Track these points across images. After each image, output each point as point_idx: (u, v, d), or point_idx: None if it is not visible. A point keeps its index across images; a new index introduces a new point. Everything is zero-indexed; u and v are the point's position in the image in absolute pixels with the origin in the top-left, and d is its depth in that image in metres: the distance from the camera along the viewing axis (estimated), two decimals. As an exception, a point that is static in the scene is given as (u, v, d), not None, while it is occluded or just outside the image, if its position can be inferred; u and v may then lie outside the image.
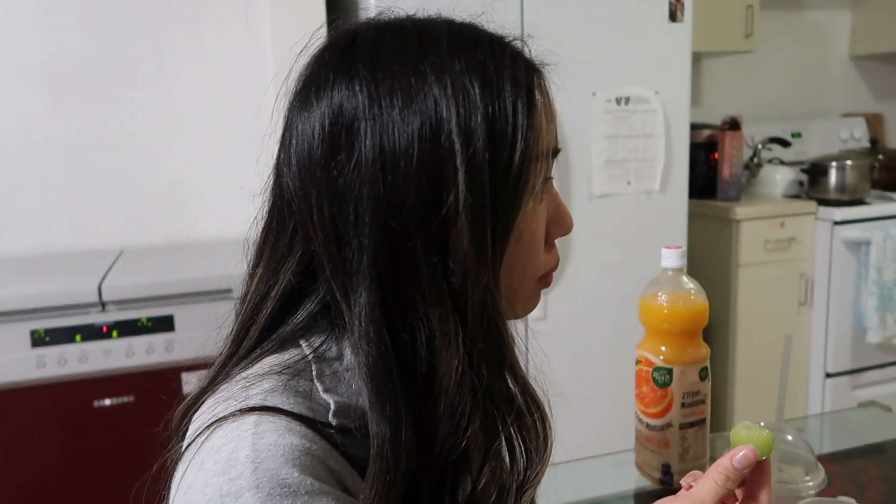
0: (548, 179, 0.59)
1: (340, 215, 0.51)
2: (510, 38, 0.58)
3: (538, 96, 0.55)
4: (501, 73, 0.53)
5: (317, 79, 0.54)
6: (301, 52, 0.58)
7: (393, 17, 0.57)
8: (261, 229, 0.59)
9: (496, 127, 0.52)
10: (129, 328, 1.67)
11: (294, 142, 0.54)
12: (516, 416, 0.54)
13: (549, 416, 0.57)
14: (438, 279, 0.51)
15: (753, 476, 0.57)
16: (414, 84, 0.51)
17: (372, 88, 0.51)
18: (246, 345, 0.57)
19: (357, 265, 0.51)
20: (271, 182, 0.58)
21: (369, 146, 0.50)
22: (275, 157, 0.58)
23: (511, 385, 0.55)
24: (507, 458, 0.55)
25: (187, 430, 0.54)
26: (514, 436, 0.55)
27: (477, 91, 0.51)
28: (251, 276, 0.59)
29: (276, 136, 0.58)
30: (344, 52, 0.54)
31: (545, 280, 0.62)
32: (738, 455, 0.55)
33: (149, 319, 1.68)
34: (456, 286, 0.51)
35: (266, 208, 0.59)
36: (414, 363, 0.52)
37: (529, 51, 0.59)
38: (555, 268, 0.63)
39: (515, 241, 0.54)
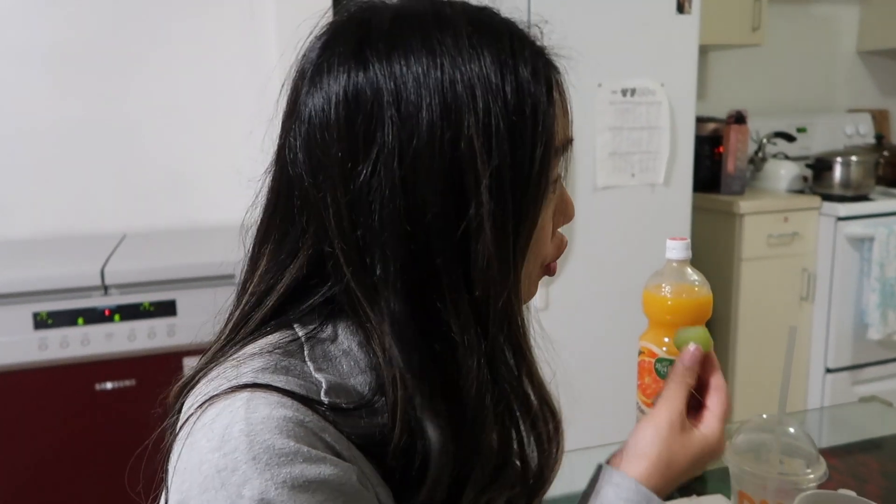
0: (560, 175, 0.59)
1: (361, 220, 0.50)
2: (524, 26, 0.57)
3: (556, 94, 0.54)
4: (522, 73, 0.52)
5: (329, 67, 0.52)
6: (310, 34, 0.56)
7: (408, 2, 0.55)
8: (263, 218, 0.57)
9: (517, 129, 0.50)
10: (131, 312, 1.67)
11: (304, 132, 0.52)
12: (531, 423, 0.54)
13: (562, 426, 0.57)
14: (460, 290, 0.50)
15: (704, 370, 0.65)
16: (434, 86, 0.49)
17: (390, 87, 0.49)
18: (244, 332, 0.57)
19: (383, 270, 0.50)
20: (276, 170, 0.56)
21: (388, 150, 0.49)
22: (278, 144, 0.55)
23: (529, 391, 0.55)
24: (522, 465, 0.55)
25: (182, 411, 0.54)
26: (527, 443, 0.55)
27: (499, 93, 0.50)
28: (252, 268, 0.58)
29: (279, 120, 0.56)
30: (359, 41, 0.52)
31: (549, 268, 0.62)
32: (685, 357, 0.63)
33: (151, 304, 1.69)
34: (478, 297, 0.51)
35: (268, 196, 0.57)
36: (442, 371, 0.51)
37: (543, 40, 0.58)
38: (561, 254, 0.63)
39: (532, 243, 0.54)
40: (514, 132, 0.50)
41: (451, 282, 0.50)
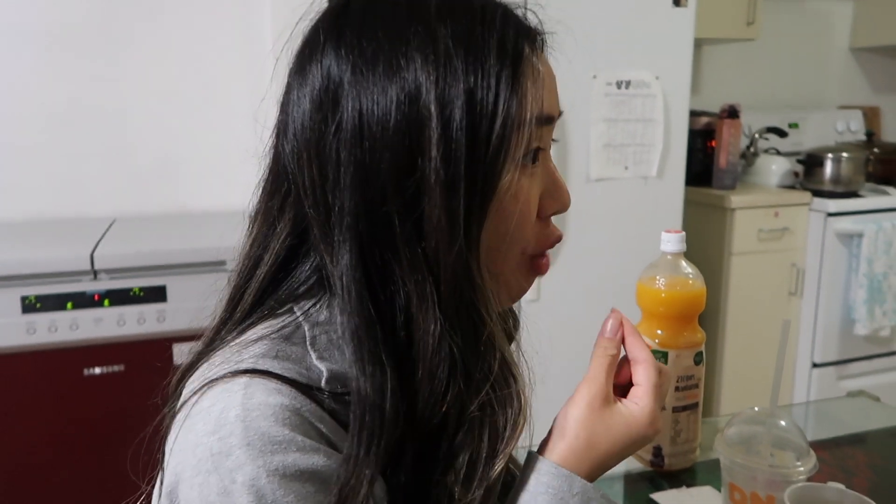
0: (539, 150, 0.57)
1: (325, 178, 0.52)
2: (514, 7, 0.57)
3: (528, 64, 0.54)
4: (488, 41, 0.52)
5: (311, 43, 0.55)
6: (302, 16, 0.58)
7: None
8: (259, 192, 0.59)
9: (476, 96, 0.51)
10: (120, 297, 1.66)
11: (291, 105, 0.55)
12: (491, 386, 0.54)
13: (526, 391, 0.56)
14: (413, 245, 0.51)
15: (629, 342, 0.62)
16: (397, 50, 0.51)
17: (356, 54, 0.52)
18: (241, 309, 0.57)
19: (339, 227, 0.52)
20: (271, 144, 0.58)
21: (350, 111, 0.51)
22: (275, 119, 0.58)
23: (488, 356, 0.54)
24: (483, 427, 0.54)
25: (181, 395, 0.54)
26: (490, 406, 0.54)
27: (460, 59, 0.51)
28: (247, 238, 0.60)
29: (275, 98, 0.58)
30: (336, 16, 0.55)
31: (537, 264, 0.61)
32: (606, 327, 0.62)
33: (141, 289, 1.68)
34: (430, 254, 0.51)
35: (265, 170, 0.59)
36: (394, 327, 0.52)
37: (537, 18, 0.58)
38: (550, 246, 0.61)
39: (496, 213, 0.54)
40: (471, 98, 0.51)
41: (405, 235, 0.51)
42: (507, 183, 0.53)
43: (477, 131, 0.51)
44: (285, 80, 0.57)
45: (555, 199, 0.60)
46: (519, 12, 0.57)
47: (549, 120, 0.57)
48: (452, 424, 0.53)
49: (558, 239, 0.62)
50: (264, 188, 0.59)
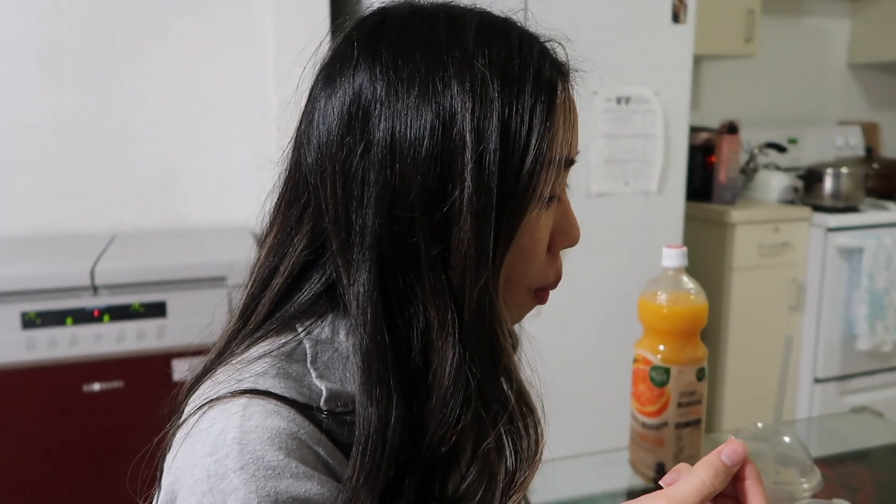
0: (561, 188, 0.58)
1: (349, 195, 0.52)
2: (545, 39, 0.57)
3: (560, 101, 0.55)
4: (524, 74, 0.53)
5: (343, 56, 0.54)
6: (329, 33, 0.58)
7: (427, 1, 0.57)
8: (275, 200, 0.59)
9: (511, 128, 0.51)
10: (120, 313, 1.66)
11: (316, 116, 0.55)
12: (508, 418, 0.54)
13: (542, 422, 0.56)
14: (438, 271, 0.51)
15: (750, 485, 0.49)
16: (434, 75, 0.51)
17: (392, 74, 0.51)
18: (254, 320, 0.57)
19: (360, 246, 0.51)
20: (289, 152, 0.58)
21: (382, 131, 0.51)
22: (296, 128, 0.57)
23: (505, 387, 0.54)
24: (498, 462, 0.54)
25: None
26: (504, 437, 0.54)
27: (496, 89, 0.51)
28: (261, 246, 0.59)
29: (297, 106, 0.58)
30: (372, 32, 0.54)
31: (540, 295, 0.62)
32: (726, 450, 0.48)
33: (141, 305, 1.67)
34: (454, 281, 0.51)
35: (282, 179, 0.59)
36: (408, 352, 0.52)
37: (566, 53, 0.58)
38: (554, 283, 0.62)
39: (514, 246, 0.54)
40: (506, 130, 0.51)
41: (430, 261, 0.51)
42: (531, 218, 0.54)
43: (509, 164, 0.51)
44: (310, 90, 0.57)
45: (566, 234, 0.61)
46: (551, 45, 0.58)
47: (572, 163, 0.58)
48: (465, 456, 0.53)
49: (559, 278, 0.62)
50: (282, 196, 0.58)
